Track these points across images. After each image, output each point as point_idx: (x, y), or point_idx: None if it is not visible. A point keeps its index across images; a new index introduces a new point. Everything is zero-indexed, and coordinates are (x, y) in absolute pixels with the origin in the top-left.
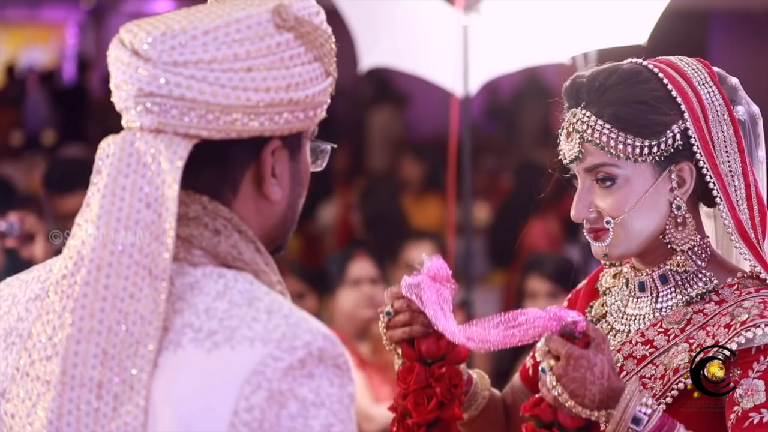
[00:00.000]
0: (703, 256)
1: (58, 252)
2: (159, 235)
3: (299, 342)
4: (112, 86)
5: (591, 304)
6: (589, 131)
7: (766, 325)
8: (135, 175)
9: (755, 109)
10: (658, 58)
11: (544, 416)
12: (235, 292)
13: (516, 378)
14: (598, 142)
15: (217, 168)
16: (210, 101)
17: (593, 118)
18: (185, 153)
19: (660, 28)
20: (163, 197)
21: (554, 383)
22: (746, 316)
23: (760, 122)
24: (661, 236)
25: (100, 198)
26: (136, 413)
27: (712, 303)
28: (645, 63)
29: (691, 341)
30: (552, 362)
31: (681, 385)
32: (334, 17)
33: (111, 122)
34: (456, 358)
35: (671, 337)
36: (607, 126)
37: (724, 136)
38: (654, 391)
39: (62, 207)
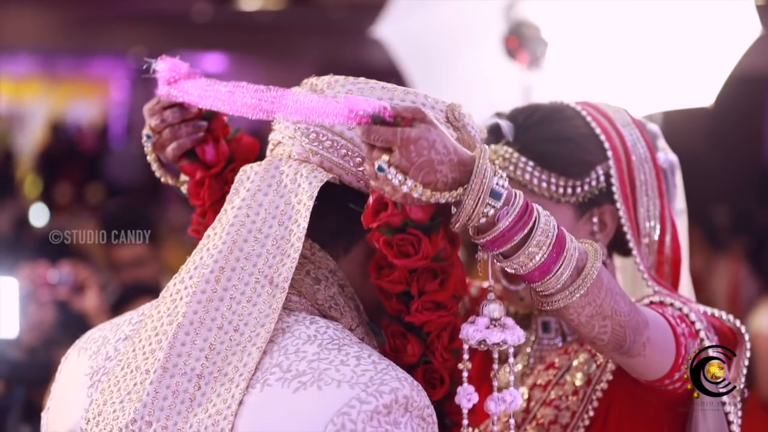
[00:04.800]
0: None
1: (114, 304)
2: (286, 249)
3: (386, 387)
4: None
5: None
6: (512, 168)
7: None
8: (274, 194)
9: (673, 158)
10: (579, 101)
11: (394, 220)
12: (326, 337)
13: None
14: (521, 179)
15: (340, 219)
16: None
17: (516, 155)
18: (325, 179)
19: (718, 94)
20: (297, 214)
21: (402, 179)
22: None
23: (679, 172)
24: None
25: (235, 210)
26: (230, 402)
27: None
28: (567, 102)
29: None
30: (386, 156)
31: (595, 403)
32: (395, 75)
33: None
34: (243, 152)
35: (572, 354)
36: (531, 164)
37: (646, 179)
38: (571, 410)
39: (116, 255)
